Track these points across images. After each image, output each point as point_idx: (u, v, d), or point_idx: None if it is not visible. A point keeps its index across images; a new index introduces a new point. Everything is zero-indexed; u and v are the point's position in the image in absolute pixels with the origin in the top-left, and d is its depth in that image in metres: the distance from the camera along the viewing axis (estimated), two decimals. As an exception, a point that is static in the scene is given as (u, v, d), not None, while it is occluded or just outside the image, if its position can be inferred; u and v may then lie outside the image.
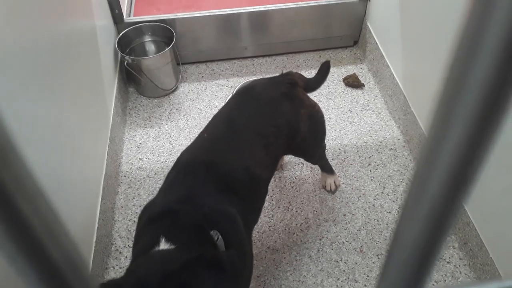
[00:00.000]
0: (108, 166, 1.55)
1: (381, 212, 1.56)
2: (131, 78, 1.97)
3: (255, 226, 1.14)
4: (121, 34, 1.93)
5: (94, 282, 0.20)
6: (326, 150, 1.50)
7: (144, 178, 1.69)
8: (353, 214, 1.56)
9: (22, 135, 0.94)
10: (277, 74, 1.30)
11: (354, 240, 1.49)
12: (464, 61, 0.14)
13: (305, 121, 1.19)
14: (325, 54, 2.21)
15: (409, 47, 1.69)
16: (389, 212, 1.56)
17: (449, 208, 0.18)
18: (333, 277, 1.39)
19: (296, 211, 1.57)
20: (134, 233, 0.99)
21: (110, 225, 1.52)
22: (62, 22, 1.29)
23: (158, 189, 1.04)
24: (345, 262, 1.43)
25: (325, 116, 1.32)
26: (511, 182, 1.16)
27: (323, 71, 1.38)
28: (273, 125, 1.11)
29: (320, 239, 1.49)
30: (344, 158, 1.74)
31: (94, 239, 1.32)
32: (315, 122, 1.26)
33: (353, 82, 2.03)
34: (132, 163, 1.74)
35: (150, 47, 2.07)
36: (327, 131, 1.39)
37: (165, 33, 1.99)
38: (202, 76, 2.12)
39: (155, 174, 1.70)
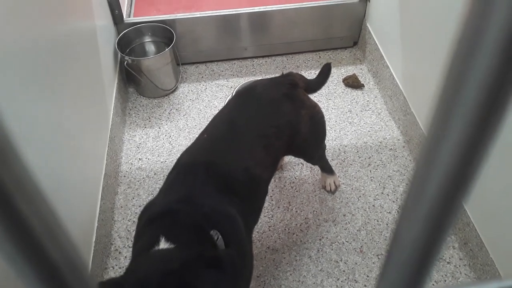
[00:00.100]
0: (108, 166, 1.55)
1: (381, 212, 1.56)
2: (131, 79, 1.97)
3: (255, 226, 1.14)
4: (121, 35, 1.93)
5: (93, 282, 0.20)
6: (326, 151, 1.50)
7: (143, 178, 1.69)
8: (353, 215, 1.56)
9: (22, 135, 0.94)
10: (277, 75, 1.30)
11: (354, 240, 1.48)
12: (463, 61, 0.14)
13: (305, 122, 1.19)
14: (325, 55, 2.21)
15: (409, 48, 1.69)
16: (389, 213, 1.56)
17: (449, 208, 0.18)
18: (333, 277, 1.39)
19: (296, 211, 1.57)
20: (133, 233, 0.99)
21: (110, 225, 1.52)
22: (62, 22, 1.29)
23: (157, 189, 1.04)
24: (345, 262, 1.43)
25: (325, 117, 1.32)
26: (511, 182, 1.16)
27: (324, 73, 1.38)
28: (274, 126, 1.11)
29: (320, 239, 1.49)
30: (344, 159, 1.74)
31: (94, 239, 1.32)
32: (316, 122, 1.26)
33: (353, 83, 2.03)
34: (131, 163, 1.74)
35: (150, 48, 2.07)
36: (327, 131, 1.39)
37: (165, 33, 1.99)
38: (202, 77, 2.12)
39: (154, 174, 1.70)
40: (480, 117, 0.15)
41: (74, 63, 1.35)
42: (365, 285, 1.38)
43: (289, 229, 1.52)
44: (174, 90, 2.04)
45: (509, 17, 0.13)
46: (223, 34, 2.09)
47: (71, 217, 1.17)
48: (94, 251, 1.30)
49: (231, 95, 1.85)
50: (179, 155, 1.09)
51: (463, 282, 1.38)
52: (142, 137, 1.85)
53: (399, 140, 1.80)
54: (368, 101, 1.97)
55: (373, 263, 1.43)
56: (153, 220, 0.91)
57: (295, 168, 1.70)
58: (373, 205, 1.58)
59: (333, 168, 1.61)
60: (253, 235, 1.43)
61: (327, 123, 1.34)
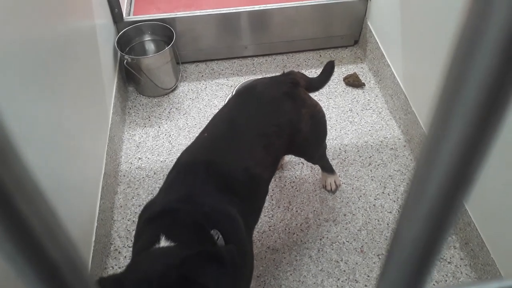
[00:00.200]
0: (107, 166, 1.55)
1: (381, 212, 1.56)
2: (131, 77, 1.97)
3: (255, 226, 1.14)
4: (120, 33, 1.93)
5: (93, 282, 0.20)
6: (326, 150, 1.50)
7: (143, 177, 1.69)
8: (353, 214, 1.56)
9: (22, 135, 0.94)
10: (277, 74, 1.30)
11: (354, 240, 1.49)
12: (464, 61, 0.14)
13: (306, 121, 1.19)
14: (326, 54, 2.21)
15: (410, 47, 1.69)
16: (390, 212, 1.56)
17: (449, 208, 0.18)
18: (334, 277, 1.39)
19: (296, 211, 1.57)
20: (133, 232, 0.99)
21: (109, 224, 1.52)
22: (62, 21, 1.29)
23: (157, 189, 1.04)
24: (346, 262, 1.43)
25: (325, 116, 1.32)
26: None
27: (327, 71, 1.38)
28: (275, 125, 1.11)
29: (321, 239, 1.49)
30: (345, 158, 1.74)
31: (93, 239, 1.32)
32: (317, 122, 1.26)
33: (353, 82, 2.03)
34: (131, 163, 1.74)
35: (150, 46, 2.07)
36: (327, 130, 1.39)
37: (164, 32, 1.99)
38: (202, 75, 2.12)
39: (154, 173, 1.71)
40: (480, 117, 0.15)
41: (73, 63, 1.35)
42: (365, 285, 1.38)
43: (289, 229, 1.52)
44: (174, 89, 2.04)
45: (509, 17, 0.12)
46: (223, 33, 2.08)
47: (70, 217, 1.17)
48: (93, 251, 1.30)
49: (231, 94, 1.85)
50: (179, 154, 1.09)
51: (464, 282, 1.38)
52: (142, 136, 1.85)
53: (400, 139, 1.80)
54: (369, 100, 1.97)
55: (374, 263, 1.43)
56: (153, 219, 0.91)
57: (296, 167, 1.70)
58: (374, 205, 1.58)
59: (334, 167, 1.61)
60: (253, 235, 1.43)
61: (327, 122, 1.34)
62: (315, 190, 1.63)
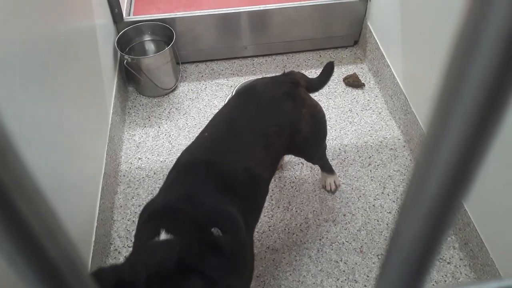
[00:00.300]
0: (107, 166, 1.55)
1: (381, 212, 1.56)
2: (131, 77, 1.97)
3: (255, 226, 1.14)
4: (120, 33, 1.93)
5: (93, 282, 0.20)
6: (326, 150, 1.50)
7: (143, 177, 1.69)
8: (353, 214, 1.56)
9: (22, 135, 0.94)
10: (277, 74, 1.30)
11: (354, 240, 1.49)
12: (463, 61, 0.14)
13: (306, 121, 1.19)
14: (326, 54, 2.21)
15: (410, 47, 1.69)
16: (389, 212, 1.56)
17: (448, 207, 0.18)
18: (333, 277, 1.39)
19: (296, 211, 1.57)
20: (133, 232, 0.99)
21: (109, 224, 1.52)
22: (62, 21, 1.29)
23: (157, 189, 1.04)
24: (345, 263, 1.43)
25: (325, 116, 1.32)
26: None
27: (327, 72, 1.38)
28: (275, 125, 1.11)
29: (320, 239, 1.49)
30: (344, 158, 1.74)
31: (93, 239, 1.32)
32: (317, 122, 1.26)
33: (353, 82, 2.03)
34: (131, 163, 1.74)
35: (150, 46, 2.07)
36: (327, 131, 1.39)
37: (164, 32, 1.99)
38: (202, 76, 2.12)
39: (154, 173, 1.70)
40: (480, 117, 0.15)
41: (73, 63, 1.35)
42: (365, 285, 1.38)
43: (289, 229, 1.52)
44: (174, 89, 2.04)
45: (509, 17, 0.13)
46: (223, 33, 2.09)
47: (70, 217, 1.17)
48: (93, 251, 1.30)
49: (231, 94, 1.85)
50: (179, 155, 1.09)
51: (463, 282, 1.38)
52: (142, 136, 1.85)
53: (399, 139, 1.80)
54: (368, 100, 1.97)
55: (373, 263, 1.43)
56: (153, 218, 0.91)
57: (295, 167, 1.70)
58: (373, 205, 1.58)
59: (333, 167, 1.61)
60: (253, 235, 1.43)
61: (327, 122, 1.34)
62: (315, 190, 1.63)
